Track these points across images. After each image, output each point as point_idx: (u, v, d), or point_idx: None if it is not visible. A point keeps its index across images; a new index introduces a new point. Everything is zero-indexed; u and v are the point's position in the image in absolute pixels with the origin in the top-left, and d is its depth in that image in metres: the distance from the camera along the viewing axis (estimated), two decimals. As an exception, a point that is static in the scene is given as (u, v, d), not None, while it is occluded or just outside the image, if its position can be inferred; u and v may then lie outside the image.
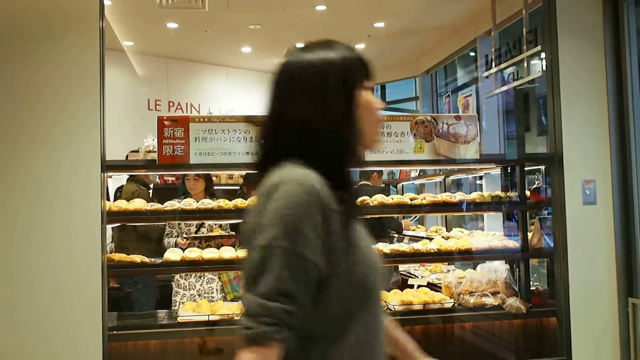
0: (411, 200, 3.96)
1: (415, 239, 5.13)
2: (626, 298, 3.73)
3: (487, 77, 5.19)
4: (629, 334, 3.69)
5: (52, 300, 3.26)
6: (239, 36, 6.75)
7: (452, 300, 3.89)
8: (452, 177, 5.63)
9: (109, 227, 4.90)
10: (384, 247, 3.91)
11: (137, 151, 4.42)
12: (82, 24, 3.37)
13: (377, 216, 4.94)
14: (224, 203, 3.70)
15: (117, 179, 5.46)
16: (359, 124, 1.32)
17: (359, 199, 3.92)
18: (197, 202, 3.76)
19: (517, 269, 4.06)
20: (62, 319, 3.26)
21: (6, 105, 3.31)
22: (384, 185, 6.30)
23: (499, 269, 4.02)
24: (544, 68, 3.99)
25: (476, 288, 3.91)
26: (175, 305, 4.26)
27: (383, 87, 9.63)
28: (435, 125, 3.85)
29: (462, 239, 4.20)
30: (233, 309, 3.67)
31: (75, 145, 3.33)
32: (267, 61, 7.93)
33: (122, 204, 3.67)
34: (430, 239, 4.29)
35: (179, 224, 4.34)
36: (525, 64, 4.47)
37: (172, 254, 3.70)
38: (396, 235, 5.78)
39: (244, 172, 5.22)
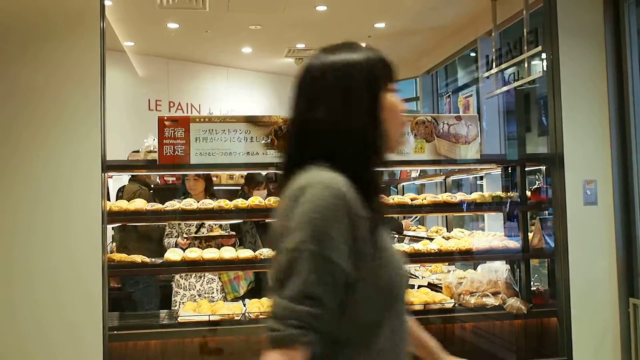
0: (412, 200, 3.96)
1: (416, 239, 5.13)
2: (627, 298, 3.73)
3: (487, 77, 5.19)
4: (629, 335, 3.69)
5: (52, 301, 3.26)
6: (239, 36, 6.74)
7: (452, 300, 3.88)
8: (452, 178, 5.63)
9: (110, 227, 4.93)
10: (385, 247, 3.90)
11: (138, 152, 4.43)
12: (83, 24, 3.37)
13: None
14: (224, 203, 3.70)
15: (119, 179, 5.46)
16: (384, 125, 1.31)
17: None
18: (198, 202, 3.76)
19: (518, 269, 4.05)
20: (62, 319, 3.26)
21: (7, 105, 3.31)
22: (384, 185, 6.29)
23: (499, 269, 4.02)
24: (545, 68, 3.99)
25: (477, 288, 3.91)
26: (176, 306, 4.26)
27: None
28: (435, 125, 3.85)
29: (462, 239, 4.20)
30: (233, 309, 3.67)
31: (75, 145, 3.33)
32: (268, 61, 7.94)
33: (123, 204, 3.67)
34: (431, 239, 4.29)
35: (179, 224, 4.34)
36: (526, 65, 4.47)
37: (173, 254, 3.70)
38: (397, 236, 5.78)
39: (244, 173, 5.23)
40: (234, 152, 3.63)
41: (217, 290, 4.36)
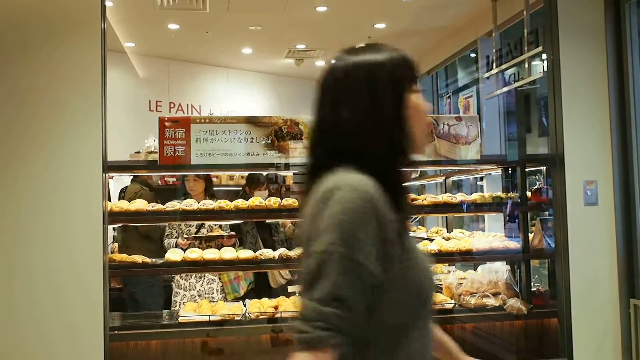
0: (412, 201, 3.96)
1: (416, 239, 5.13)
2: (628, 299, 3.73)
3: (488, 78, 5.19)
4: (630, 335, 3.69)
5: (53, 301, 3.26)
6: (239, 37, 6.75)
7: (452, 301, 3.88)
8: (452, 178, 5.63)
9: (112, 227, 4.93)
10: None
11: (139, 153, 4.43)
12: (84, 25, 3.37)
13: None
14: (224, 204, 3.71)
15: (119, 180, 5.46)
16: (409, 125, 1.30)
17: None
18: (198, 202, 3.76)
19: (518, 270, 4.05)
20: (63, 319, 3.26)
21: (8, 105, 3.31)
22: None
23: (499, 269, 4.02)
24: (545, 69, 3.99)
25: (477, 289, 3.91)
26: (175, 306, 4.26)
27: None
28: (436, 126, 3.85)
29: (462, 239, 4.20)
30: (234, 309, 3.67)
31: (76, 145, 3.33)
32: (268, 62, 7.94)
33: (124, 205, 3.68)
34: (431, 240, 4.29)
35: (179, 225, 4.35)
36: (526, 65, 4.47)
37: (173, 255, 3.71)
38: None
39: (244, 173, 5.23)
40: (235, 153, 3.63)
41: (217, 291, 4.36)
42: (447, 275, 4.36)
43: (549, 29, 3.85)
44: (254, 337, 3.55)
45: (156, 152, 3.65)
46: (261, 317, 3.58)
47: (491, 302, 3.80)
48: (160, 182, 5.70)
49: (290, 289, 4.57)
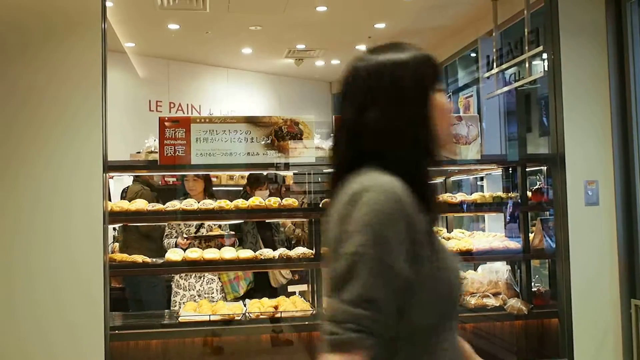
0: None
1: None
2: (629, 299, 3.72)
3: (488, 77, 5.19)
4: (631, 336, 3.68)
5: (53, 301, 3.26)
6: (239, 37, 6.74)
7: (453, 301, 3.87)
8: (453, 178, 5.62)
9: (114, 227, 4.93)
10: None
11: (140, 153, 4.43)
12: (84, 25, 3.37)
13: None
14: (224, 203, 3.71)
15: (120, 180, 5.46)
16: (434, 125, 1.30)
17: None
18: (198, 202, 3.76)
19: (519, 270, 4.05)
20: (63, 319, 3.26)
21: (8, 105, 3.31)
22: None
23: (500, 269, 4.02)
24: (546, 68, 3.99)
25: (477, 289, 3.91)
26: (175, 306, 4.26)
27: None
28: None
29: (463, 239, 4.19)
30: (234, 309, 3.67)
31: (77, 145, 3.33)
32: (268, 62, 7.94)
33: (124, 204, 3.68)
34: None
35: (179, 225, 4.34)
36: (527, 65, 4.47)
37: (174, 254, 3.71)
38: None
39: (244, 173, 5.22)
40: (235, 153, 3.63)
41: (216, 291, 4.36)
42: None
43: (549, 28, 3.85)
44: (254, 336, 3.55)
45: (156, 152, 3.65)
46: (261, 316, 3.58)
47: (491, 302, 3.80)
48: (160, 182, 5.69)
49: (290, 288, 4.57)
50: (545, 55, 4.03)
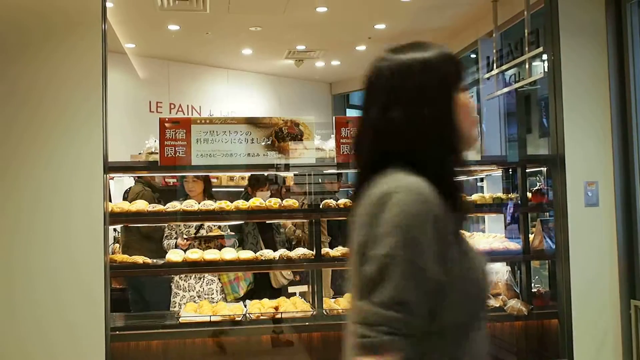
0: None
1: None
2: (628, 300, 3.72)
3: (488, 78, 5.19)
4: (631, 337, 3.68)
5: (54, 301, 3.26)
6: (239, 38, 6.75)
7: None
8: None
9: (116, 227, 4.93)
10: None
11: (141, 154, 4.43)
12: (84, 26, 3.37)
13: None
14: (225, 204, 3.71)
15: (120, 181, 5.46)
16: (459, 124, 1.29)
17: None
18: (198, 203, 3.76)
19: (519, 271, 4.05)
20: (64, 319, 3.26)
21: (9, 106, 3.31)
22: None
23: (500, 270, 4.02)
24: (546, 69, 3.99)
25: (478, 290, 3.90)
26: (174, 307, 4.25)
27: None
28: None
29: (463, 240, 4.19)
30: (234, 310, 3.67)
31: (77, 146, 3.33)
32: (268, 63, 7.94)
33: (124, 205, 3.68)
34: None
35: (178, 226, 4.35)
36: (527, 66, 4.47)
37: (174, 255, 3.71)
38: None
39: (245, 174, 5.23)
40: (235, 154, 3.63)
41: (216, 292, 4.36)
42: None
43: (549, 29, 3.85)
44: (254, 337, 3.56)
45: (157, 153, 3.65)
46: (262, 317, 3.58)
47: (491, 303, 3.80)
48: (161, 183, 5.70)
49: (290, 289, 4.57)
50: (545, 56, 4.04)
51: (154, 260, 3.78)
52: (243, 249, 4.21)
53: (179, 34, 6.44)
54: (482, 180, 5.53)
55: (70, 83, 3.35)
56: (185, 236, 4.30)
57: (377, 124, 1.28)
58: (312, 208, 3.88)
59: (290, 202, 3.80)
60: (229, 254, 3.74)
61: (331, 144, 3.81)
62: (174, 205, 3.71)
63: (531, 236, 4.06)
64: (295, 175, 4.28)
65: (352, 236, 1.27)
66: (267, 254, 3.77)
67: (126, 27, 6.03)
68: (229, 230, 4.44)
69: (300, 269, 4.44)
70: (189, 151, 3.58)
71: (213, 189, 4.55)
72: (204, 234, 4.34)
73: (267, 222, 4.63)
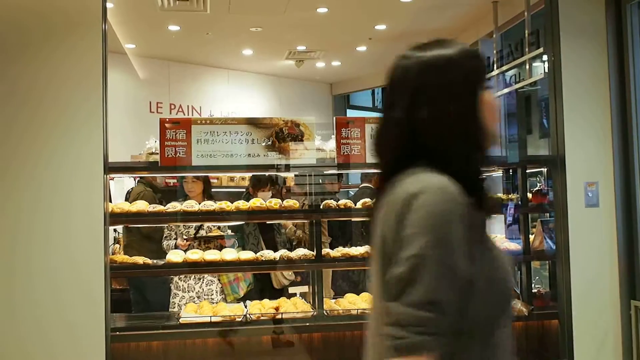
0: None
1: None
2: (628, 301, 3.72)
3: (488, 79, 5.19)
4: (631, 337, 3.68)
5: (54, 302, 3.26)
6: (240, 39, 6.75)
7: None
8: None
9: (118, 227, 4.93)
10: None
11: (142, 155, 4.44)
12: (85, 26, 3.37)
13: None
14: (225, 205, 3.71)
15: (121, 182, 5.46)
16: (484, 122, 1.28)
17: (363, 201, 3.92)
18: (199, 204, 3.76)
19: (519, 272, 4.05)
20: (64, 320, 3.26)
21: (8, 105, 3.31)
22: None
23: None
24: (546, 70, 3.99)
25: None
26: (174, 307, 4.25)
27: (384, 90, 9.61)
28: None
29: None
30: (235, 310, 3.67)
31: (77, 146, 3.33)
32: (268, 63, 7.95)
33: (125, 206, 3.68)
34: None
35: (178, 227, 4.34)
36: (527, 66, 4.47)
37: (175, 256, 3.71)
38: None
39: (245, 175, 5.23)
40: (235, 154, 3.63)
41: (216, 292, 4.35)
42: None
43: (549, 30, 3.85)
44: (255, 338, 3.55)
45: (157, 154, 3.65)
46: (262, 318, 3.58)
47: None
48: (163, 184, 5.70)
49: (291, 290, 4.57)
50: (545, 57, 4.03)
51: (155, 261, 3.78)
52: (244, 249, 4.21)
53: (180, 35, 6.44)
54: (482, 180, 5.53)
55: (71, 83, 3.35)
56: (184, 237, 4.30)
57: (402, 123, 1.27)
58: (312, 209, 3.88)
59: (291, 203, 3.80)
60: (230, 254, 3.74)
61: (332, 144, 3.81)
62: (174, 206, 3.71)
63: (531, 237, 4.06)
64: (295, 175, 4.28)
65: (374, 235, 1.26)
66: (267, 254, 3.77)
67: (126, 28, 6.04)
68: (228, 230, 4.43)
69: (300, 270, 4.44)
70: (190, 152, 3.58)
71: (213, 190, 4.55)
72: (204, 235, 4.34)
73: (267, 222, 4.63)
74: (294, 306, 3.69)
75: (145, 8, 5.46)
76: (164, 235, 4.40)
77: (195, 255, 3.69)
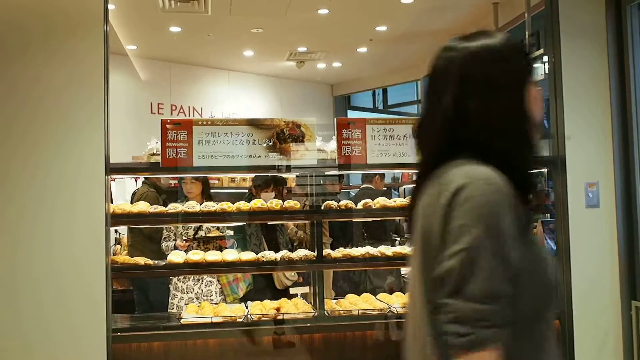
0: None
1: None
2: (629, 301, 3.73)
3: (489, 80, 5.20)
4: (632, 337, 3.69)
5: (55, 302, 3.26)
6: (241, 40, 6.77)
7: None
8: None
9: (114, 229, 4.94)
10: (386, 249, 3.91)
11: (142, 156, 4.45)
12: (86, 27, 3.37)
13: (379, 219, 4.95)
14: (227, 206, 3.72)
15: (122, 183, 5.47)
16: (531, 114, 1.27)
17: (364, 202, 3.92)
18: (200, 205, 3.77)
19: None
20: (65, 320, 3.26)
21: (9, 106, 3.32)
22: (386, 188, 6.31)
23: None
24: (547, 71, 4.00)
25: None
26: (173, 308, 4.26)
27: (385, 91, 9.64)
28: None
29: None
30: (236, 311, 3.68)
31: (79, 147, 3.34)
32: (269, 65, 7.96)
33: (126, 207, 3.69)
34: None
35: (177, 228, 4.35)
36: (528, 67, 4.47)
37: (176, 257, 3.71)
38: (398, 238, 5.79)
39: (246, 175, 5.24)
40: (237, 155, 3.64)
41: (215, 293, 4.36)
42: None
43: (550, 31, 3.85)
44: (256, 338, 3.56)
45: (158, 155, 3.66)
46: (263, 318, 3.59)
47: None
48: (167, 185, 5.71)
49: (292, 290, 4.58)
50: (545, 58, 4.04)
51: (156, 262, 3.79)
52: (246, 250, 4.21)
53: (181, 36, 6.46)
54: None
55: (72, 84, 3.36)
56: (184, 238, 4.30)
57: (449, 114, 1.25)
58: (313, 209, 3.88)
59: (292, 204, 3.81)
60: (231, 255, 3.75)
61: (332, 145, 3.82)
62: (175, 207, 3.72)
63: (532, 237, 4.06)
64: (296, 176, 4.29)
65: (416, 228, 1.24)
66: (268, 255, 3.77)
67: (128, 29, 6.05)
68: (228, 231, 4.44)
69: (301, 270, 4.45)
70: (191, 152, 3.59)
71: (215, 191, 4.56)
72: (203, 235, 4.34)
73: (269, 223, 4.64)
74: (295, 307, 3.70)
75: (146, 9, 5.48)
76: (163, 237, 4.40)
77: (196, 256, 3.70)
